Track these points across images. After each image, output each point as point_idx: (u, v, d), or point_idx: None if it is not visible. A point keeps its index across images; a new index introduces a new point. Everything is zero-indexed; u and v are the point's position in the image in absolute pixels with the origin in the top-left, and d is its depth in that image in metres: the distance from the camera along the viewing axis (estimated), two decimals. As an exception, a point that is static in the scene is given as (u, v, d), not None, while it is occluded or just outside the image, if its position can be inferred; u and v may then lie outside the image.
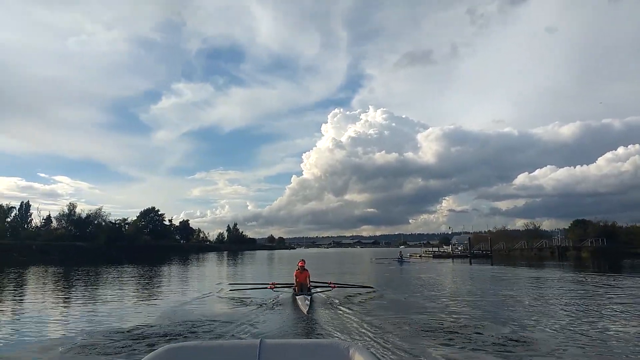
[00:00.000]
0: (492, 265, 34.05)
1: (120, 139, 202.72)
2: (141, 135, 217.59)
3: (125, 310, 11.35)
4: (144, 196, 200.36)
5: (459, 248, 58.22)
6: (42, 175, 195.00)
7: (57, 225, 68.22)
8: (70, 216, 68.03)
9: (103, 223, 70.67)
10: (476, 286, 17.20)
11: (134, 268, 30.44)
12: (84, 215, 69.28)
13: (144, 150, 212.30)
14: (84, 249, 57.00)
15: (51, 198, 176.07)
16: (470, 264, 37.55)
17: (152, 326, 8.58)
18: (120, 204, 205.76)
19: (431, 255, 53.42)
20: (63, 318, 10.21)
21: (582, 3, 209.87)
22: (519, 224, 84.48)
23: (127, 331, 8.08)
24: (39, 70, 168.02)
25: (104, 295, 14.72)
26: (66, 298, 14.29)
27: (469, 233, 73.96)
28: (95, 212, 70.51)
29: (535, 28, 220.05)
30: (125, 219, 79.03)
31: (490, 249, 51.16)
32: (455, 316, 9.88)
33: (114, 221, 73.87)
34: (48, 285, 18.92)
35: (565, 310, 10.55)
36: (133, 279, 21.98)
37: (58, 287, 18.16)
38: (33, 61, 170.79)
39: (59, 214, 69.03)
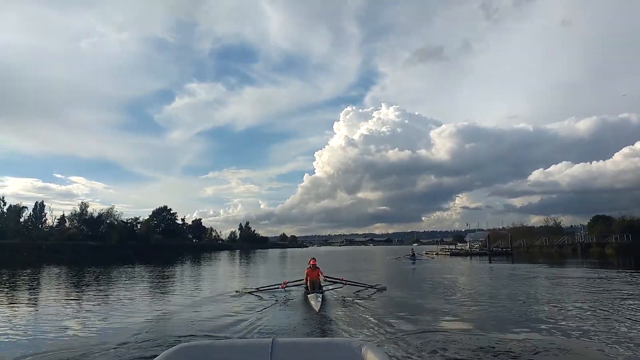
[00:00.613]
0: (512, 263, 32.46)
1: (135, 140, 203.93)
2: (155, 135, 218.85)
3: (137, 309, 11.17)
4: (158, 196, 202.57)
5: (476, 245, 56.54)
6: (58, 176, 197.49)
7: (70, 224, 68.57)
8: (82, 216, 68.27)
9: (115, 222, 70.75)
10: (510, 288, 15.10)
11: (145, 267, 29.97)
12: (96, 214, 69.50)
13: (158, 150, 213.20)
14: (96, 248, 57.08)
15: (67, 198, 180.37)
16: (490, 261, 35.92)
17: (164, 325, 8.56)
18: (135, 204, 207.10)
19: (448, 253, 51.91)
20: (71, 318, 9.94)
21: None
22: (534, 220, 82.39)
23: (140, 330, 7.95)
24: (53, 71, 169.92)
25: (112, 294, 14.28)
26: (76, 298, 13.80)
27: (483, 230, 72.09)
28: (107, 212, 70.69)
29: (551, 21, 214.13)
30: (137, 218, 79.27)
31: (510, 246, 49.52)
32: (483, 321, 8.69)
33: (126, 220, 74.07)
34: (53, 286, 18.31)
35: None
36: (144, 278, 21.40)
37: (65, 288, 17.57)
38: (46, 63, 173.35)
39: (71, 213, 69.54)
